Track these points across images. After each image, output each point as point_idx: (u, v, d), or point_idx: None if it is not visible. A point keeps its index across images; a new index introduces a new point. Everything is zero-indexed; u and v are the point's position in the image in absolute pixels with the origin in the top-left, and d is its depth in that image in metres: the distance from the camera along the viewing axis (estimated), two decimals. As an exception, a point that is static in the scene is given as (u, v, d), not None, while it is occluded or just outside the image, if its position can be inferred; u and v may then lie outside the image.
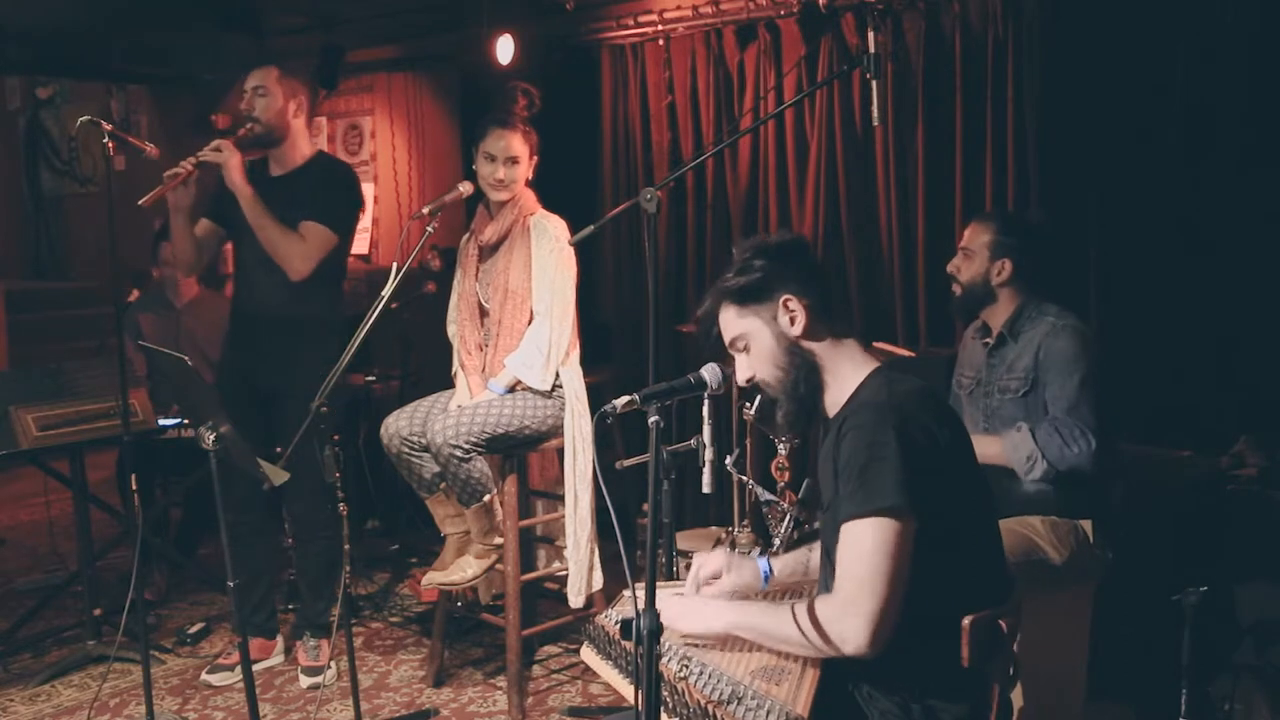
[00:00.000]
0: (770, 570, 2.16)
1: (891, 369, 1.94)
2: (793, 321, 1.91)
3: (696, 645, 1.96)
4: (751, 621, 1.90)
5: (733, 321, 1.97)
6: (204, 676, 3.61)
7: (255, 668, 3.26)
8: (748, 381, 1.99)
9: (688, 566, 2.20)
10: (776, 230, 4.24)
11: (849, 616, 1.74)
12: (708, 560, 2.16)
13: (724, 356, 2.05)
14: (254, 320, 3.57)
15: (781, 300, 1.91)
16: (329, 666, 3.60)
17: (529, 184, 3.41)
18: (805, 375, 1.92)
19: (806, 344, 1.92)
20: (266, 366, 3.51)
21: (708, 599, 2.08)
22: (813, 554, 2.18)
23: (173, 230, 3.51)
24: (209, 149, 3.36)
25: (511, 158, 3.31)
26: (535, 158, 3.39)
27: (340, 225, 3.50)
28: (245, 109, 3.46)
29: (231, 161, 3.37)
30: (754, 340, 1.95)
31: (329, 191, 3.49)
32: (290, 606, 4.12)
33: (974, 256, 2.93)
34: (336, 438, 2.83)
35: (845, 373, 1.92)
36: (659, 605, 1.92)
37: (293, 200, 3.44)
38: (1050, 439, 2.69)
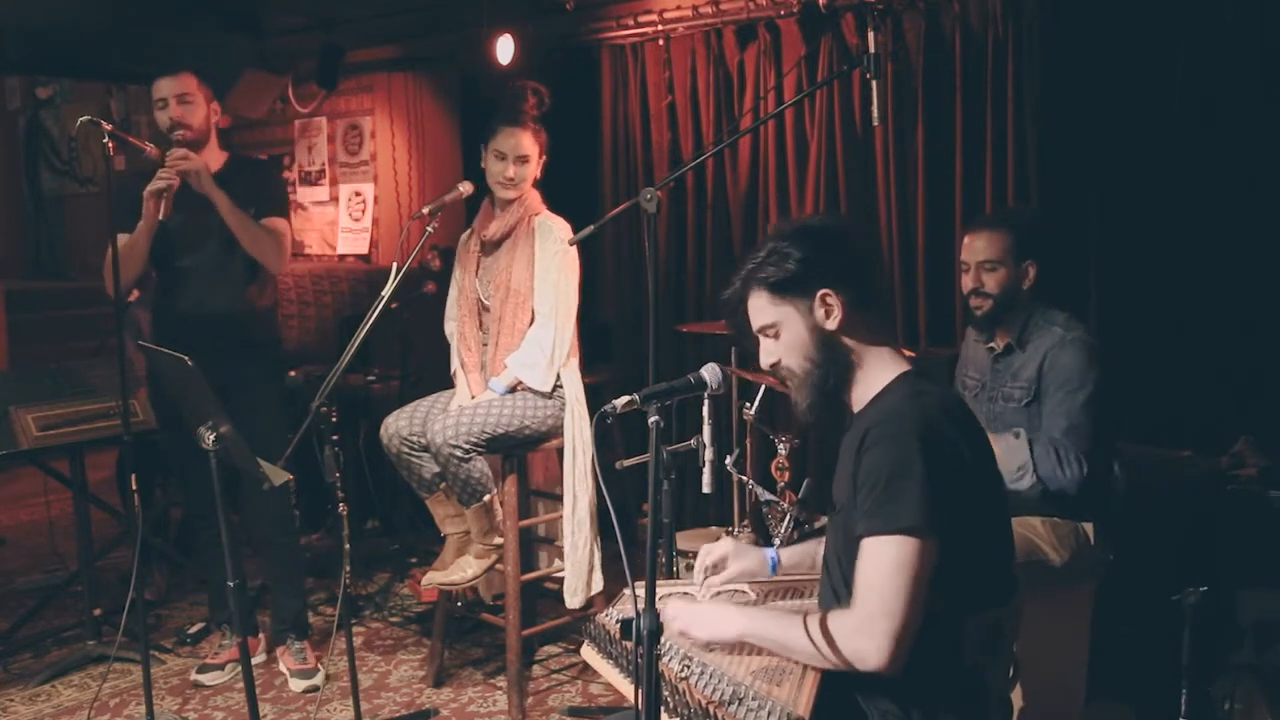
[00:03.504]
0: (778, 560, 2.15)
1: (919, 374, 1.89)
2: (828, 315, 1.86)
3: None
4: (763, 631, 1.86)
5: (764, 308, 1.91)
6: (194, 676, 3.62)
7: (239, 666, 3.23)
8: (772, 366, 1.94)
9: (688, 567, 2.20)
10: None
11: (867, 635, 1.71)
12: (713, 549, 2.15)
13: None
14: (204, 325, 3.45)
15: (820, 295, 1.86)
16: (319, 668, 3.59)
17: (535, 185, 3.41)
18: (835, 369, 1.87)
19: (842, 338, 1.88)
20: (221, 370, 3.30)
21: (718, 605, 2.04)
22: (820, 548, 2.16)
23: (139, 245, 3.39)
24: (177, 158, 3.32)
25: (522, 156, 3.31)
26: (544, 157, 3.39)
27: (287, 215, 3.62)
28: (175, 118, 3.39)
29: (203, 168, 3.36)
30: (785, 329, 1.90)
31: (269, 185, 3.61)
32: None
33: (999, 266, 2.84)
34: (333, 433, 2.82)
35: (875, 371, 1.88)
36: (668, 610, 1.91)
37: (233, 201, 3.40)
38: (1046, 457, 2.66)
